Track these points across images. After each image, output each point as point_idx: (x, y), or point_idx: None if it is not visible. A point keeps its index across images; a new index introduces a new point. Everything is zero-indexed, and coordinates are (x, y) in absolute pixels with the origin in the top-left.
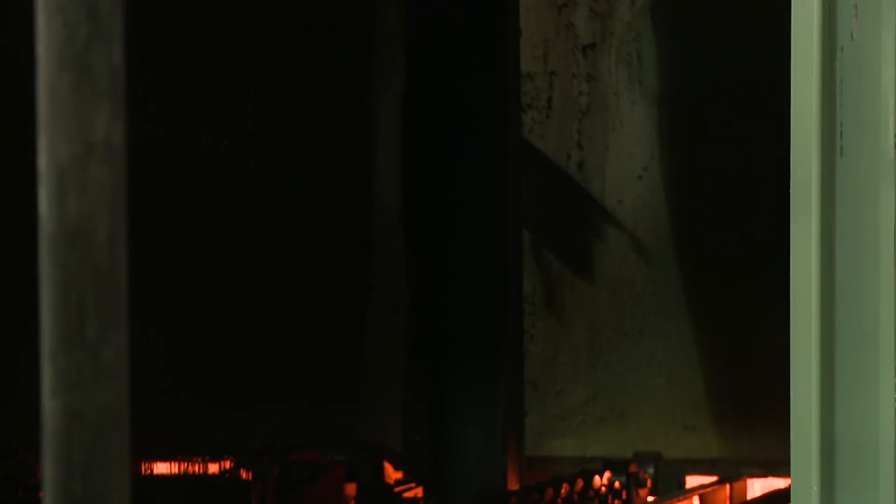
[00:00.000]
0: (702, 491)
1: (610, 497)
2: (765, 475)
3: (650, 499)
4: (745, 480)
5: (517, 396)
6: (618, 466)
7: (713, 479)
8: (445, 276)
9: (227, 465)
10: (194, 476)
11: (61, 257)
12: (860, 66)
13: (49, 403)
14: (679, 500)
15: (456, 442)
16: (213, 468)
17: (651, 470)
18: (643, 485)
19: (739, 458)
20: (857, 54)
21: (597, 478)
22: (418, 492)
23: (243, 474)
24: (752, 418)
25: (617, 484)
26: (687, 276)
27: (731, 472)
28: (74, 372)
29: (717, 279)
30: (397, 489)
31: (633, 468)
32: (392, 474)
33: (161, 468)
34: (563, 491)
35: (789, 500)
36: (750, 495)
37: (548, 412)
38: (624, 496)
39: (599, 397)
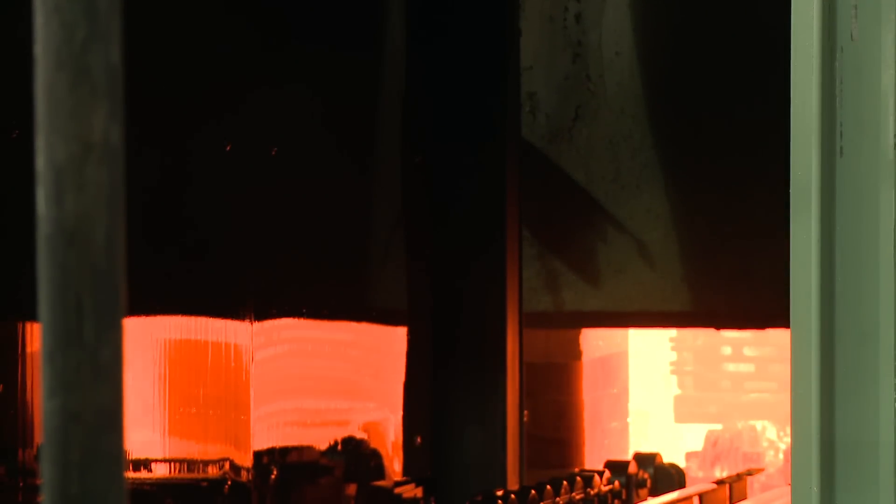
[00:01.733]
0: (702, 491)
1: (609, 497)
2: (762, 327)
3: (650, 499)
4: (746, 480)
5: (518, 397)
6: (617, 467)
7: (709, 331)
8: (446, 277)
9: (227, 466)
10: (193, 477)
11: (59, 257)
12: (860, 66)
13: (47, 404)
14: (679, 501)
15: (456, 442)
16: (213, 469)
17: (651, 470)
18: (643, 485)
19: (737, 310)
20: (856, 54)
21: (596, 478)
22: (418, 492)
23: (243, 475)
24: (750, 271)
25: (616, 484)
26: (684, 130)
27: (729, 324)
28: (72, 372)
29: (716, 133)
30: (397, 489)
31: (632, 469)
32: (392, 474)
33: (160, 469)
34: (562, 491)
35: (789, 501)
36: (749, 495)
37: (545, 267)
38: (624, 496)
39: (596, 252)
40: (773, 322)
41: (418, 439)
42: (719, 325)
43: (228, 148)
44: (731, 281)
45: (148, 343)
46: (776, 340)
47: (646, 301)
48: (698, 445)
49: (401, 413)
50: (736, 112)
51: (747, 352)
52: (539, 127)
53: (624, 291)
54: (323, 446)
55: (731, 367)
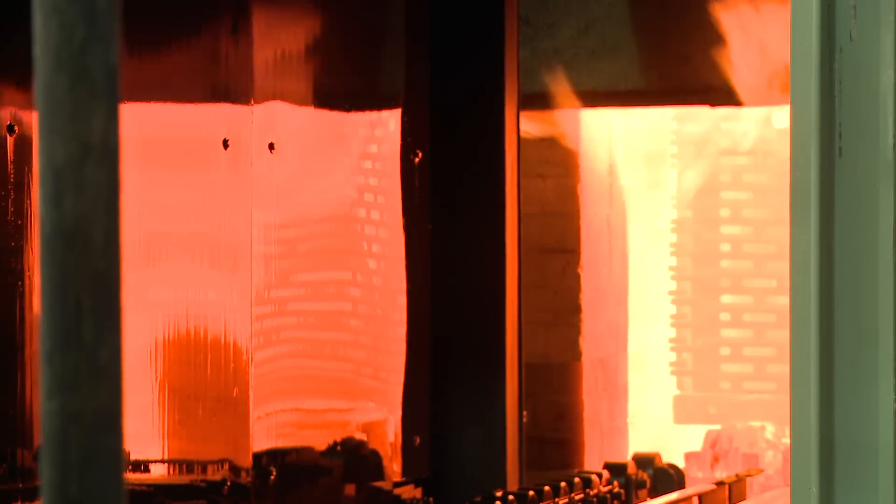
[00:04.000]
0: (701, 492)
1: (609, 498)
2: (758, 105)
3: (649, 500)
4: (745, 481)
5: (517, 397)
6: (616, 468)
7: (705, 108)
8: (447, 278)
9: (226, 467)
10: (193, 478)
11: (58, 258)
12: (859, 66)
13: (46, 405)
14: (678, 502)
15: (455, 442)
16: (212, 470)
17: (650, 471)
18: (642, 486)
19: (733, 86)
20: (855, 55)
21: (595, 479)
22: (417, 492)
23: (242, 476)
24: (747, 48)
25: (616, 485)
26: None
27: (726, 100)
28: (71, 373)
29: None
30: (396, 490)
31: (631, 469)
32: (391, 475)
33: (159, 470)
34: (561, 492)
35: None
36: (749, 495)
37: (539, 47)
38: (623, 497)
39: (591, 30)
40: (771, 101)
41: (417, 440)
42: (715, 102)
43: None
44: (730, 56)
45: (144, 339)
46: (775, 341)
47: (641, 79)
48: (697, 446)
49: (400, 413)
50: None
51: (746, 352)
52: None
53: (619, 70)
54: (322, 447)
55: (730, 367)
